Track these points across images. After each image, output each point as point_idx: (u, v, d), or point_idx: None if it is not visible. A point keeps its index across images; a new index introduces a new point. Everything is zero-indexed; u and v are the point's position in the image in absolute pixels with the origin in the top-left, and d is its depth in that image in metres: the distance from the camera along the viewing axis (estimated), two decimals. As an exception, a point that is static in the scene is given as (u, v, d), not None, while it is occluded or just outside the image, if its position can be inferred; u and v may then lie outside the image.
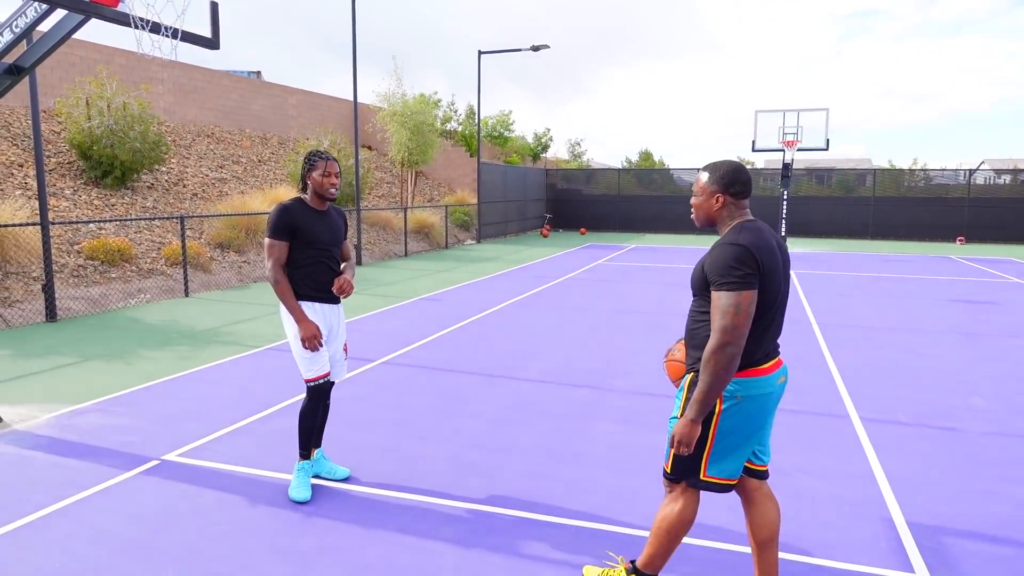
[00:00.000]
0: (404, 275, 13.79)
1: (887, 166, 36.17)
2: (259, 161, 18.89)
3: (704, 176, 2.70)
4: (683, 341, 2.88)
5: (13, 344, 7.47)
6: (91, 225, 11.57)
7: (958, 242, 23.14)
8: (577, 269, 14.91)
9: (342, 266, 4.04)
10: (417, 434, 4.87)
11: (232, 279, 12.28)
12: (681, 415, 2.61)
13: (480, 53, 21.23)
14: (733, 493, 3.26)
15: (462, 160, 26.23)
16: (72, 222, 9.55)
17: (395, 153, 20.39)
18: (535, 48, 21.03)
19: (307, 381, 3.85)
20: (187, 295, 10.89)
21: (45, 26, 4.43)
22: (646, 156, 51.56)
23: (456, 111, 30.51)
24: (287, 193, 15.35)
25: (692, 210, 2.77)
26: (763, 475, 2.79)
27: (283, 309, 3.82)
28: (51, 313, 8.74)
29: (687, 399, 2.62)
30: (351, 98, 24.05)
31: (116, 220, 10.81)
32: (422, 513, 3.70)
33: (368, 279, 13.05)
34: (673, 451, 2.63)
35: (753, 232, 2.56)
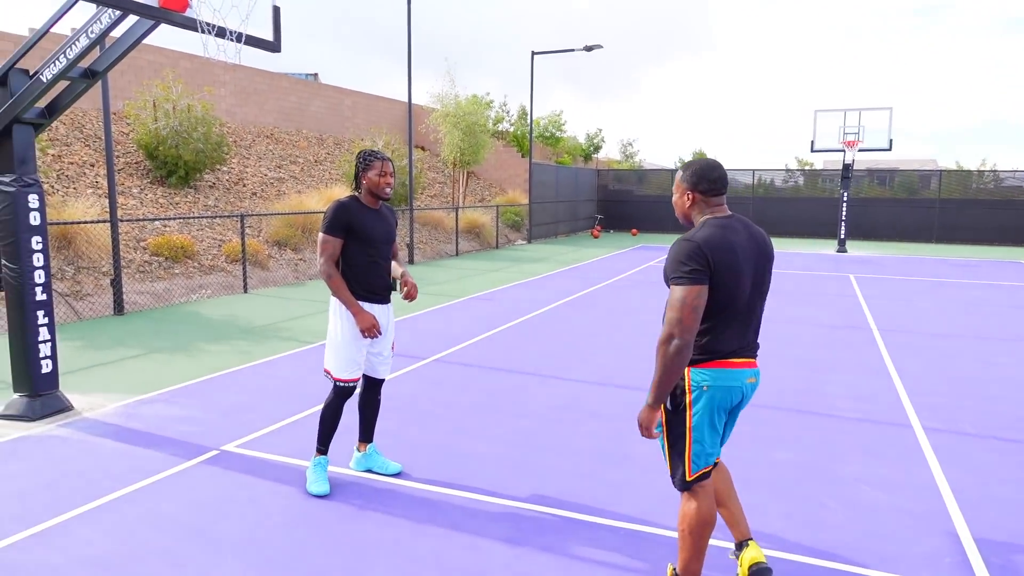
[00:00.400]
0: (455, 274, 13.89)
1: (954, 167, 34.81)
2: (315, 161, 19.31)
3: (678, 174, 2.82)
4: None
5: (84, 336, 7.81)
6: (156, 223, 12.01)
7: (1030, 247, 22.11)
8: (628, 270, 14.79)
9: (398, 269, 4.06)
10: (467, 432, 4.91)
11: (288, 276, 12.57)
12: (664, 411, 2.75)
13: (533, 54, 21.26)
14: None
15: (513, 160, 26.29)
16: (139, 219, 9.92)
17: (447, 153, 20.57)
18: (588, 48, 20.94)
19: (336, 380, 3.89)
20: (246, 291, 11.20)
21: (117, 32, 4.61)
22: (699, 156, 50.79)
23: (508, 112, 30.60)
24: (342, 192, 15.65)
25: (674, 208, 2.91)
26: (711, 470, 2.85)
27: (332, 304, 3.88)
28: (119, 306, 9.10)
29: (664, 410, 2.75)
30: (405, 99, 24.31)
31: (180, 218, 11.20)
32: (472, 511, 3.72)
33: (419, 278, 13.20)
34: (665, 452, 2.79)
35: (713, 229, 2.64)
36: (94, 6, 4.45)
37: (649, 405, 2.64)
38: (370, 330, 3.76)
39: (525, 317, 9.27)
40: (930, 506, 3.83)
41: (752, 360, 2.76)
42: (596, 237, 24.88)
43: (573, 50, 21.10)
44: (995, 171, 24.63)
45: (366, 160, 3.86)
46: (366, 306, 3.86)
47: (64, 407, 5.21)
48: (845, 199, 20.23)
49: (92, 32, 4.43)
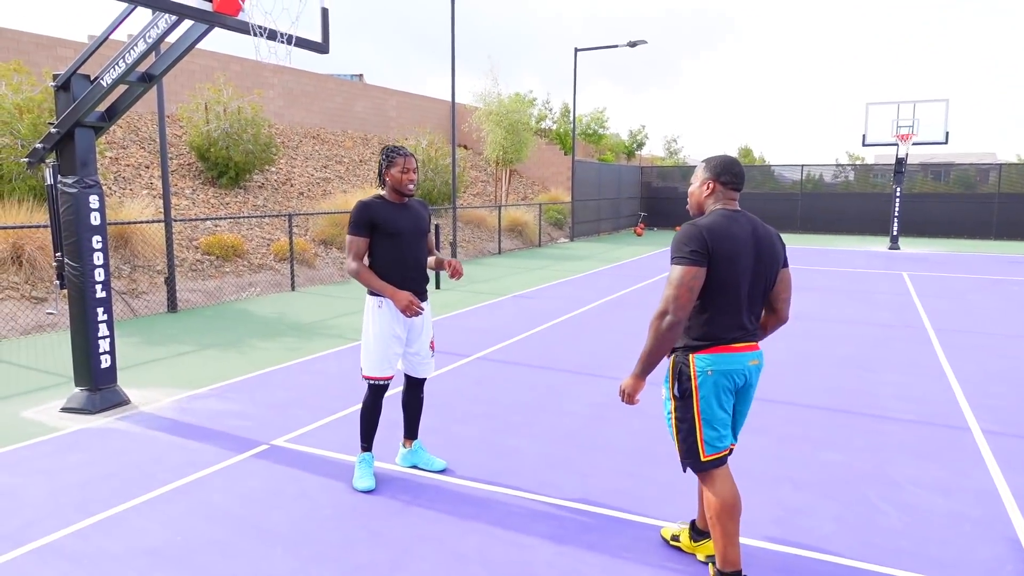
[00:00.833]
0: (498, 272, 13.94)
1: (1015, 161, 33.51)
2: (360, 161, 19.58)
3: (700, 166, 2.95)
4: None
5: (140, 332, 8.07)
6: (208, 222, 12.33)
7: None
8: (672, 268, 14.61)
9: (433, 259, 4.07)
10: (511, 429, 4.92)
11: (334, 275, 12.78)
12: (671, 398, 2.87)
13: (576, 51, 21.17)
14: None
15: (556, 158, 26.24)
16: (192, 219, 10.21)
17: (490, 152, 20.64)
18: (632, 44, 20.76)
19: (366, 378, 3.93)
20: (293, 289, 11.43)
21: (172, 37, 4.75)
22: (746, 152, 49.92)
23: (551, 109, 30.55)
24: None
25: (688, 200, 3.03)
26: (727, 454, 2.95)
27: (366, 305, 3.92)
28: (172, 304, 9.37)
29: (673, 382, 2.86)
30: (448, 98, 24.48)
31: (230, 218, 11.48)
32: (516, 508, 3.73)
33: (463, 276, 13.25)
34: (674, 436, 2.89)
35: (719, 218, 2.78)
36: (151, 12, 4.59)
37: (635, 375, 2.81)
38: (409, 307, 3.75)
39: (568, 315, 9.25)
40: (990, 511, 3.70)
41: (754, 344, 2.87)
42: (639, 235, 24.67)
43: (616, 46, 20.94)
44: (1059, 164, 23.62)
45: (388, 157, 3.87)
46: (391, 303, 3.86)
47: (122, 401, 5.39)
48: (898, 195, 19.65)
49: (149, 37, 4.57)
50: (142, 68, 5.03)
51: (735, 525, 2.82)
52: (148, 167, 13.38)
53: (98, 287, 5.29)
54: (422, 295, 3.99)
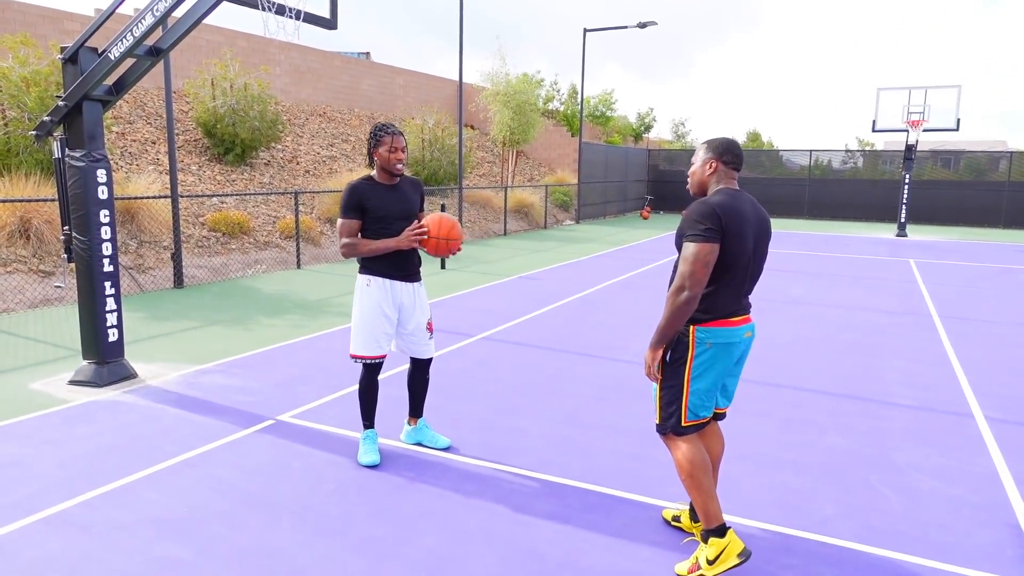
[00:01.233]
0: (503, 253, 13.93)
1: (1025, 149, 33.20)
2: (367, 139, 19.51)
3: (702, 147, 3.03)
4: None
5: (146, 307, 8.11)
6: (214, 199, 12.34)
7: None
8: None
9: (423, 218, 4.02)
10: (515, 409, 4.94)
11: (340, 253, 12.78)
12: (661, 363, 2.94)
13: (585, 31, 20.98)
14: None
15: (563, 140, 26.10)
16: (198, 196, 10.21)
17: (497, 132, 20.53)
18: (642, 25, 20.56)
19: (353, 356, 3.92)
20: (299, 267, 11.45)
21: (179, 11, 4.72)
22: (754, 137, 49.54)
23: (559, 90, 30.33)
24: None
25: (688, 179, 3.10)
26: (721, 416, 3.16)
27: (357, 284, 3.92)
28: (179, 280, 9.40)
29: (667, 349, 2.92)
30: (456, 78, 24.36)
31: (236, 195, 11.48)
32: (519, 486, 3.76)
33: (468, 257, 13.27)
34: (657, 394, 2.97)
35: (726, 196, 2.85)
36: (158, -15, 4.56)
37: (652, 346, 2.89)
38: (409, 239, 3.76)
39: (573, 297, 9.26)
40: (991, 497, 3.72)
41: (748, 316, 2.98)
42: (646, 218, 24.59)
43: (626, 27, 20.75)
44: (1071, 153, 23.40)
45: (376, 135, 3.81)
46: (386, 283, 3.86)
47: (129, 375, 5.43)
48: (907, 181, 19.52)
49: (157, 10, 4.55)
50: (150, 42, 5.01)
51: (710, 480, 2.92)
52: (154, 143, 13.36)
53: (105, 261, 5.30)
54: (413, 277, 3.96)
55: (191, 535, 3.20)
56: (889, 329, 7.68)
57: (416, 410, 4.26)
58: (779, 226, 22.07)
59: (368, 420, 4.07)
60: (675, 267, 2.96)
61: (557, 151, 26.05)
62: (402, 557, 3.06)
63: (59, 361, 5.91)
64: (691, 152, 29.66)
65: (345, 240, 3.83)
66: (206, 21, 5.05)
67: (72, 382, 5.28)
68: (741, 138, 50.35)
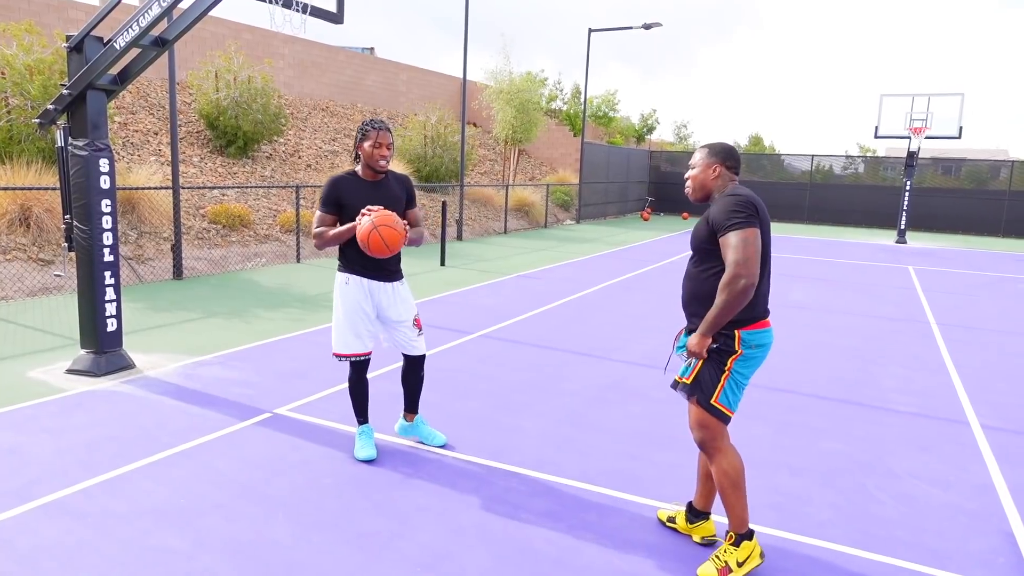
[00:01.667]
0: (503, 252, 13.93)
1: (1027, 158, 33.21)
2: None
3: (703, 151, 3.04)
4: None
5: (145, 298, 8.10)
6: (215, 191, 12.33)
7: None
8: (678, 254, 14.60)
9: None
10: (512, 407, 4.95)
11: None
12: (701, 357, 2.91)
13: (590, 31, 20.97)
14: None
15: (565, 139, 26.10)
16: (199, 187, 10.20)
17: (499, 130, 20.52)
18: (647, 26, 20.56)
19: (334, 355, 3.89)
20: (299, 261, 11.45)
21: (185, 3, 4.71)
22: (756, 140, 49.53)
23: (562, 90, 30.30)
24: (394, 167, 15.79)
25: (688, 184, 3.08)
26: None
27: (336, 282, 3.88)
28: (178, 271, 9.40)
29: (710, 347, 2.90)
30: (459, 75, 24.31)
31: (238, 187, 11.47)
32: (516, 484, 3.77)
33: (468, 254, 13.28)
34: (695, 367, 2.95)
35: (746, 190, 2.89)
36: (165, -24, 4.55)
37: (701, 333, 2.85)
38: (368, 209, 3.59)
39: (572, 296, 9.26)
40: (986, 505, 3.73)
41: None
42: (646, 220, 24.59)
43: (631, 27, 20.74)
44: (1072, 164, 23.42)
45: (362, 130, 3.71)
46: (364, 282, 3.80)
47: (127, 365, 5.43)
48: (908, 188, 19.53)
49: (164, 1, 4.54)
50: (155, 32, 5.00)
51: (744, 489, 2.95)
52: (157, 134, 13.34)
53: (106, 250, 5.30)
54: (391, 277, 3.87)
55: (187, 526, 3.20)
56: (887, 335, 7.69)
57: (412, 406, 4.25)
58: (780, 230, 22.07)
59: (361, 417, 4.07)
60: (691, 277, 3.00)
61: (559, 150, 26.04)
62: (397, 552, 3.06)
63: (57, 350, 5.90)
64: (693, 154, 29.63)
65: (314, 231, 3.79)
66: (211, 13, 5.06)
67: (70, 371, 5.28)
68: (743, 141, 50.37)
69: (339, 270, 3.90)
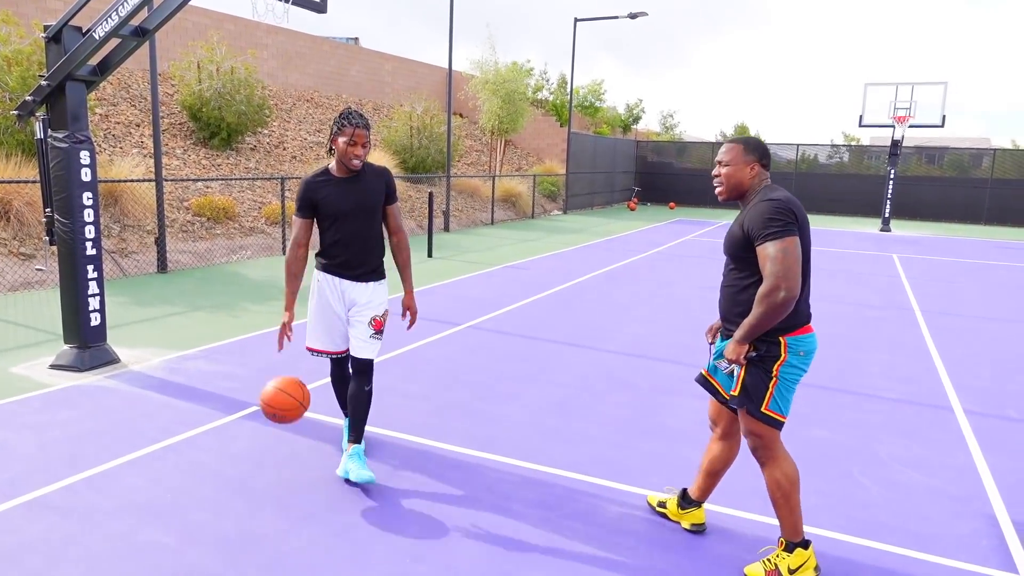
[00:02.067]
0: (490, 242, 13.91)
1: (1010, 147, 33.55)
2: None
3: (737, 147, 2.88)
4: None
5: (129, 292, 8.03)
6: (199, 183, 12.21)
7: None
8: (664, 244, 14.64)
9: (405, 289, 3.71)
10: (500, 398, 4.95)
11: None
12: (742, 362, 2.79)
13: (576, 20, 20.91)
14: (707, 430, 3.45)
15: (552, 130, 26.05)
16: (183, 179, 10.09)
17: (485, 121, 20.45)
18: (632, 15, 20.52)
19: (307, 348, 3.76)
20: (284, 253, 11.37)
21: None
22: (742, 130, 49.69)
23: (548, 80, 30.22)
24: (379, 158, 15.69)
25: (719, 182, 2.91)
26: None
27: (312, 279, 3.72)
28: (162, 265, 9.31)
29: (751, 354, 2.80)
30: (445, 65, 24.17)
31: (222, 179, 11.37)
32: (504, 474, 3.77)
33: (455, 245, 13.24)
34: (739, 376, 2.84)
35: (782, 191, 2.79)
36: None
37: (738, 340, 2.75)
38: (279, 334, 3.61)
39: (559, 287, 9.27)
40: (969, 489, 3.77)
41: None
42: (633, 210, 24.63)
43: (617, 17, 20.71)
44: (1053, 151, 23.68)
45: (339, 123, 3.42)
46: (334, 280, 3.59)
47: (111, 359, 5.38)
48: (892, 177, 19.68)
49: (142, -10, 4.47)
50: (135, 22, 4.93)
51: (799, 498, 2.86)
52: (139, 125, 13.19)
53: (88, 244, 5.24)
54: (367, 277, 3.61)
55: (174, 521, 3.18)
56: (872, 323, 7.75)
57: (352, 430, 3.61)
58: (765, 219, 22.14)
59: (346, 409, 3.85)
60: (729, 285, 2.89)
61: (546, 141, 25.99)
62: (385, 544, 3.06)
63: (40, 345, 5.84)
64: (679, 144, 29.71)
65: (290, 249, 3.63)
66: (193, 3, 4.98)
67: (53, 366, 5.22)
68: (729, 131, 50.49)
69: (315, 267, 3.71)
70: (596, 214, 22.32)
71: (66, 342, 5.32)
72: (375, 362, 3.89)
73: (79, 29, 4.92)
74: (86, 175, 5.15)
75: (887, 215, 19.66)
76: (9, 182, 8.25)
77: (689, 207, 26.35)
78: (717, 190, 2.92)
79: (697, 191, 26.55)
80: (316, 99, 19.49)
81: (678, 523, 3.30)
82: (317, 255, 3.69)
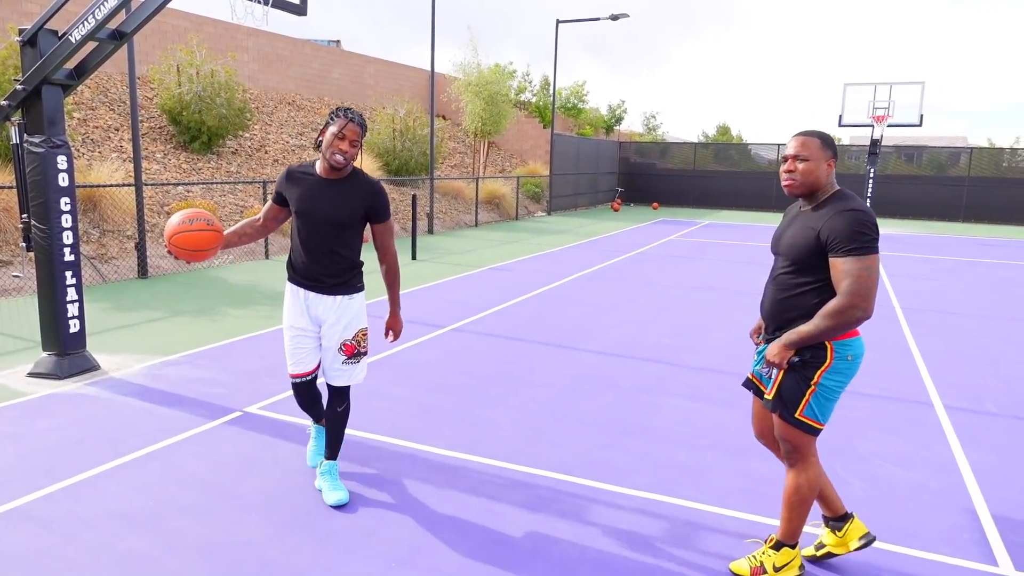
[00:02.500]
0: (474, 244, 13.90)
1: (986, 145, 34.03)
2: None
3: (815, 141, 2.72)
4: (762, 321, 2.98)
5: (109, 298, 7.93)
6: (179, 188, 12.09)
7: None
8: (648, 244, 14.70)
9: (391, 303, 3.47)
10: (485, 400, 4.94)
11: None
12: (783, 366, 2.72)
13: (558, 22, 20.96)
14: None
15: (535, 131, 26.08)
16: (163, 184, 10.00)
17: (468, 123, 20.44)
18: (614, 17, 20.61)
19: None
20: (267, 257, 11.30)
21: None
22: (723, 131, 50.06)
23: (531, 82, 30.28)
24: (362, 161, 15.62)
25: (795, 175, 2.72)
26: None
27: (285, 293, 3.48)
28: (143, 270, 9.21)
29: (796, 357, 2.71)
30: (427, 68, 24.15)
31: (202, 183, 11.27)
32: (491, 477, 3.77)
33: (439, 248, 13.22)
34: (776, 379, 2.77)
35: (859, 198, 2.67)
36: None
37: (785, 345, 2.68)
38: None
39: (544, 288, 9.28)
40: (949, 483, 3.82)
41: None
42: (616, 210, 24.71)
43: (599, 19, 20.78)
44: (1028, 150, 24.05)
45: (332, 114, 3.19)
46: (300, 292, 3.35)
47: (91, 366, 5.31)
48: (871, 175, 19.89)
49: (119, -7, 4.42)
50: (112, 25, 4.88)
51: (811, 506, 2.84)
52: (118, 129, 13.05)
53: (66, 250, 5.17)
54: (331, 289, 3.31)
55: (157, 529, 3.15)
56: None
57: (327, 446, 3.52)
58: (747, 219, 22.34)
59: (319, 421, 3.72)
60: (783, 286, 2.80)
61: (529, 142, 26.02)
62: (371, 548, 3.05)
63: (18, 353, 5.76)
64: (662, 145, 29.85)
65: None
66: (171, 5, 4.94)
67: (31, 374, 5.15)
68: (711, 131, 50.83)
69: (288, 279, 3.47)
70: (580, 215, 22.37)
71: (44, 349, 5.25)
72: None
73: (55, 32, 4.86)
74: (63, 180, 5.08)
75: (867, 214, 19.87)
76: (-15, 188, 8.12)
77: (672, 207, 26.47)
78: (787, 183, 2.76)
79: (679, 191, 26.69)
80: (298, 102, 19.39)
81: (847, 552, 2.98)
82: (287, 262, 3.49)
